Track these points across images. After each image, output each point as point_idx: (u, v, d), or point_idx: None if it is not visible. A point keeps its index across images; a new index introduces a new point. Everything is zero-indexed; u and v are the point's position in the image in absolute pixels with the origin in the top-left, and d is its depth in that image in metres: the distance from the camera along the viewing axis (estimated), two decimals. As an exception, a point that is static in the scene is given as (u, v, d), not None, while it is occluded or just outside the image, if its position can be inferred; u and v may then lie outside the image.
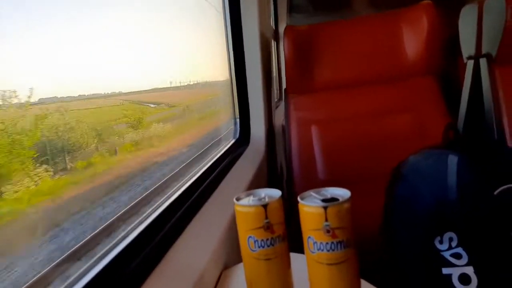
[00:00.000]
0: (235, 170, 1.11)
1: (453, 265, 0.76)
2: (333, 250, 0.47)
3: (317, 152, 1.33)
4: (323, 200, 0.49)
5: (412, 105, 1.32)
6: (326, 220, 0.47)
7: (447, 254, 0.77)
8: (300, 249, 0.54)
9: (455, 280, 0.75)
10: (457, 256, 0.76)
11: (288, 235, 0.54)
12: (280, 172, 1.71)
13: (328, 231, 0.47)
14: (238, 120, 1.46)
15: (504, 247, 0.74)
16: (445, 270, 0.77)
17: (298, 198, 0.50)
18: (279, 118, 1.80)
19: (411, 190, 0.89)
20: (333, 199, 0.49)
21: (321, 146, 1.33)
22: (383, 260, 0.92)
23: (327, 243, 0.47)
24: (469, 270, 0.75)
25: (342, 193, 0.50)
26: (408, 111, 1.32)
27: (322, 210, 0.47)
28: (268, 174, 1.46)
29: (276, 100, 2.40)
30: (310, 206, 0.48)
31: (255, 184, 1.10)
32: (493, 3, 1.15)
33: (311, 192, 0.52)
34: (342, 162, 1.31)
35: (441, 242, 0.79)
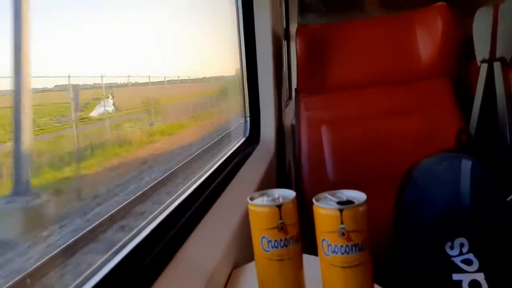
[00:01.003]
0: (245, 169, 1.11)
1: (464, 271, 0.76)
2: (347, 253, 0.47)
3: (327, 153, 1.32)
4: (339, 203, 0.48)
5: (425, 107, 1.31)
6: (342, 222, 0.46)
7: (457, 260, 0.77)
8: (310, 251, 0.54)
9: (465, 287, 0.75)
10: (468, 262, 0.76)
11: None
12: (289, 171, 1.70)
13: (343, 234, 0.47)
14: (248, 118, 1.46)
15: (517, 254, 0.74)
16: (455, 276, 0.76)
17: (313, 200, 0.50)
18: (288, 117, 1.80)
19: (423, 194, 0.89)
20: (349, 202, 0.48)
21: (331, 147, 1.33)
22: (393, 263, 0.91)
23: (342, 246, 0.47)
24: (480, 277, 0.74)
25: (358, 195, 0.50)
26: (420, 113, 1.31)
27: (337, 213, 0.47)
28: (278, 174, 1.46)
29: (285, 99, 2.39)
30: (325, 208, 0.48)
31: (265, 183, 1.10)
32: (509, 6, 1.14)
33: (326, 194, 0.52)
34: (352, 163, 1.30)
35: (452, 247, 0.78)
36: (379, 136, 1.31)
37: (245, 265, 0.71)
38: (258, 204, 0.52)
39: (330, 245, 0.48)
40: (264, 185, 1.08)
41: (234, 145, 1.30)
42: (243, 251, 0.73)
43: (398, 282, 0.83)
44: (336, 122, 1.35)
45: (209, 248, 0.67)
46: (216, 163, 1.05)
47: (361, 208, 0.47)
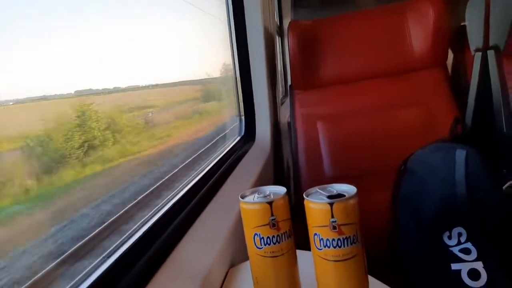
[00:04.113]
0: (241, 168, 1.11)
1: (462, 261, 0.75)
2: (339, 246, 0.47)
3: (324, 148, 1.32)
4: (329, 197, 0.48)
5: (420, 98, 1.31)
6: (332, 216, 0.46)
7: (456, 250, 0.77)
8: (308, 246, 0.54)
9: (464, 276, 0.75)
10: (466, 251, 0.76)
11: (295, 232, 0.54)
12: (287, 169, 1.70)
13: (334, 228, 0.46)
14: (243, 117, 1.46)
15: (514, 242, 0.73)
16: (454, 266, 0.76)
17: (304, 195, 0.50)
18: (285, 114, 1.79)
19: (419, 185, 0.88)
20: (339, 195, 0.48)
21: (328, 142, 1.32)
22: (391, 256, 0.91)
23: (333, 239, 0.47)
24: (479, 265, 0.74)
25: (348, 189, 0.50)
26: (416, 105, 1.30)
27: (328, 207, 0.46)
28: (275, 171, 1.46)
29: (281, 96, 2.39)
30: (315, 202, 0.48)
31: (262, 181, 1.10)
32: None
33: (317, 189, 0.52)
34: (349, 157, 1.30)
35: (449, 237, 0.78)
36: (375, 129, 1.31)
37: (241, 263, 0.70)
38: (249, 201, 0.52)
39: (322, 239, 0.48)
40: (261, 183, 1.07)
41: (229, 144, 1.30)
42: (240, 250, 0.72)
43: (397, 273, 0.82)
44: (332, 117, 1.35)
45: (205, 247, 0.67)
46: (211, 163, 1.05)
47: (352, 201, 0.47)
